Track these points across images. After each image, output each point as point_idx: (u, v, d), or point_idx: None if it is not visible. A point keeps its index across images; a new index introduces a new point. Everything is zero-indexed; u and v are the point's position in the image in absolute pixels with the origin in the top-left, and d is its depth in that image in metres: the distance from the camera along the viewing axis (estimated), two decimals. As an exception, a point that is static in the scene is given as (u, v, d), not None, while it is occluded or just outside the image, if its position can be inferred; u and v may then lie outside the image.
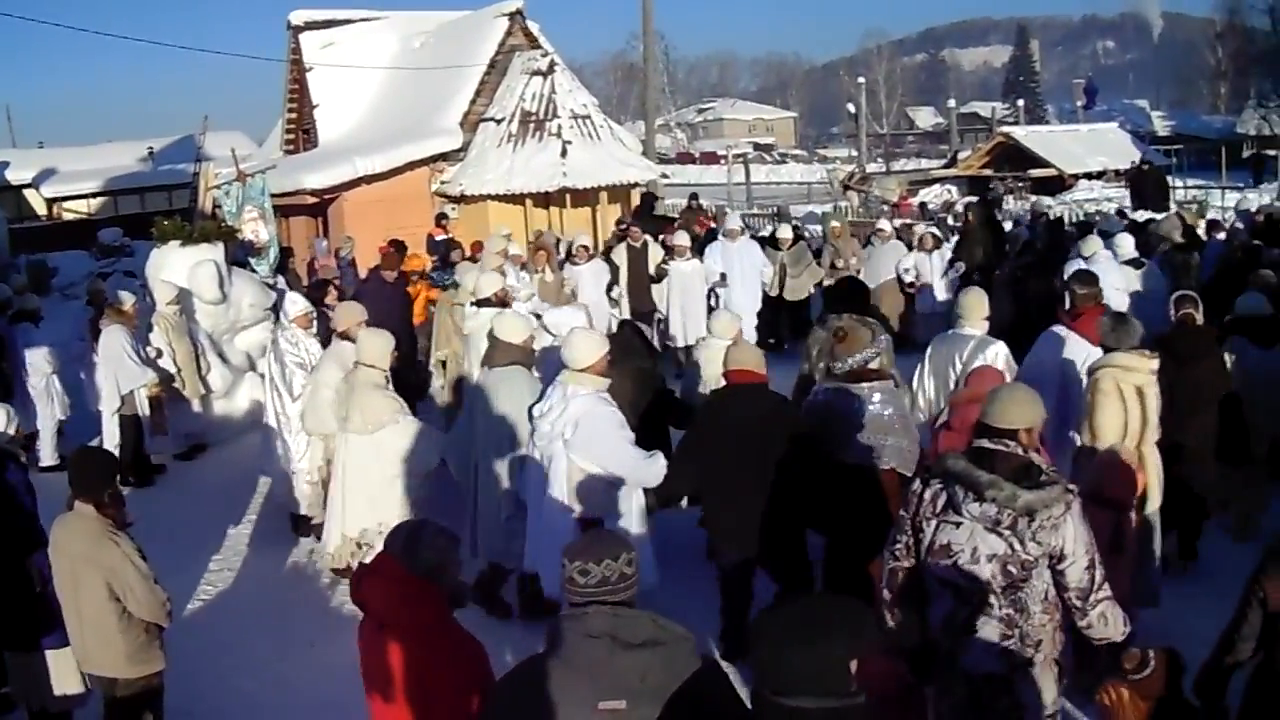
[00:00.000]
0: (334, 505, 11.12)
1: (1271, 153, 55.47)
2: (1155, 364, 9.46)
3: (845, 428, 9.13)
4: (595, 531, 5.13)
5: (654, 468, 9.06)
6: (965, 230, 22.80)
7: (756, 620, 4.36)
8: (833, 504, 8.97)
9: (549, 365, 10.76)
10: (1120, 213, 29.06)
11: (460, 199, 30.61)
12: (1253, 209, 27.21)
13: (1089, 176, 52.02)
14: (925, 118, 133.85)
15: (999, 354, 10.72)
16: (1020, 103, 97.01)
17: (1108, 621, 6.25)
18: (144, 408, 15.38)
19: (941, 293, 20.24)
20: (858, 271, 20.81)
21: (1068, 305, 11.37)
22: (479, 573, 10.37)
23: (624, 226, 22.95)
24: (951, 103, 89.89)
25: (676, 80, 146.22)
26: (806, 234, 29.86)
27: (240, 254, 19.86)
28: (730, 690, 4.68)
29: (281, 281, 20.94)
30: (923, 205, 39.25)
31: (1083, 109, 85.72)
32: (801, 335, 15.48)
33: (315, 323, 13.47)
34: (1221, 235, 21.23)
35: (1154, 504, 9.43)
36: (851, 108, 79.87)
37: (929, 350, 11.44)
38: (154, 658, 8.04)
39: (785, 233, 21.85)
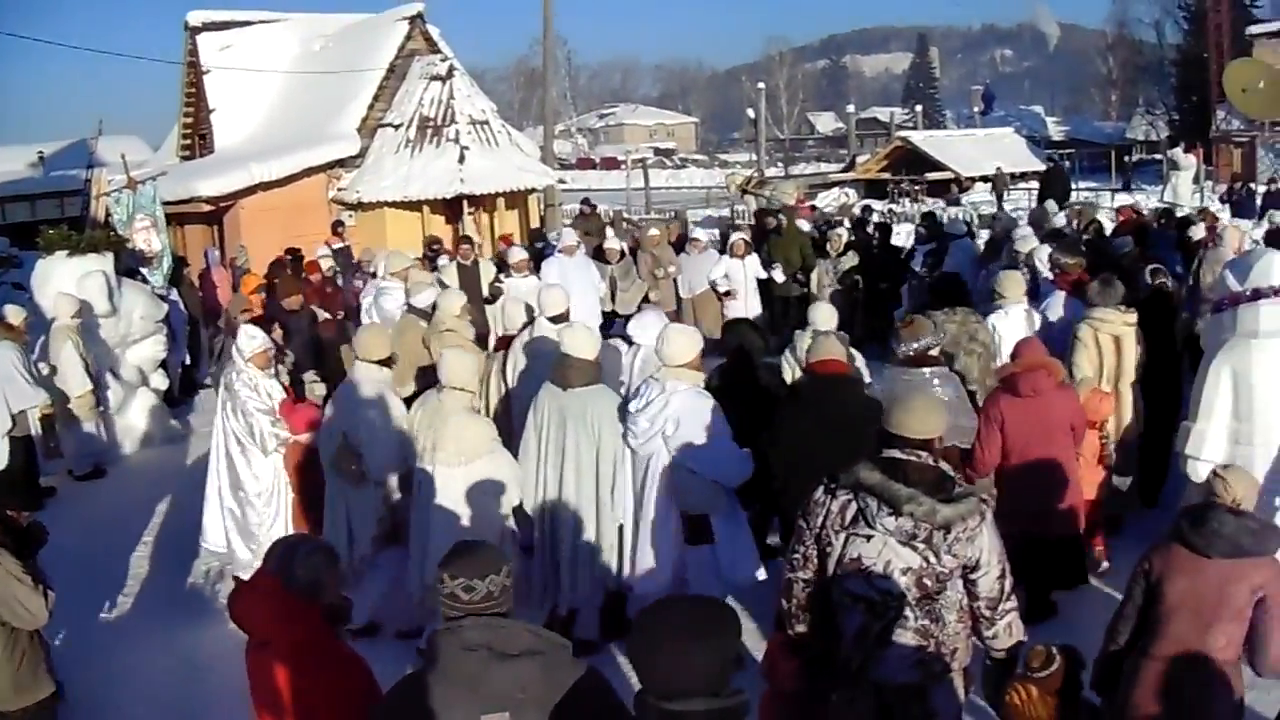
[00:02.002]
0: (413, 551, 9.80)
1: (1158, 157, 56.44)
2: (1132, 318, 11.41)
3: None
4: (469, 544, 5.03)
5: (749, 464, 9.10)
6: (778, 234, 22.61)
7: (635, 626, 4.34)
8: None
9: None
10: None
11: (357, 206, 30.51)
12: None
13: (985, 180, 52.58)
14: (826, 123, 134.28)
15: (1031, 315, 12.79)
16: (919, 108, 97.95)
17: (1012, 632, 6.19)
18: (36, 428, 14.96)
19: (753, 298, 20.18)
20: (674, 281, 20.86)
21: (1061, 273, 13.62)
22: (550, 613, 9.78)
23: (437, 247, 22.41)
24: (851, 108, 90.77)
25: (578, 85, 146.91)
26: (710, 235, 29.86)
27: (131, 264, 19.51)
28: (613, 697, 4.68)
29: (174, 293, 20.65)
30: (814, 207, 39.46)
31: (980, 115, 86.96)
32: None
33: (274, 361, 12.09)
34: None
35: (1130, 435, 11.53)
36: (752, 113, 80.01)
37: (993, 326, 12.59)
38: (42, 683, 7.83)
39: (613, 244, 21.29)
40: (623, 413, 9.28)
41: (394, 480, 10.22)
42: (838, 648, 6.26)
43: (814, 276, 20.03)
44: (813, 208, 37.51)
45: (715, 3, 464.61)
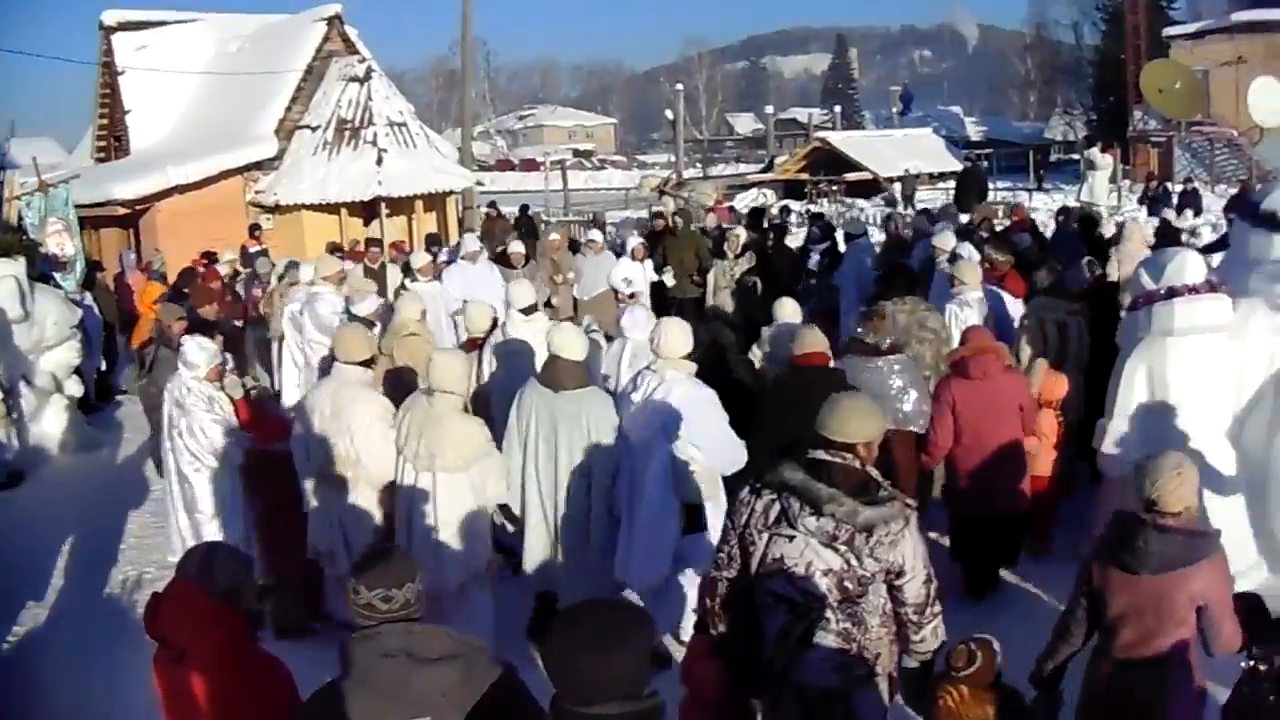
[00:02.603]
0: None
1: (1076, 157, 57.06)
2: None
3: (875, 396, 9.70)
4: (381, 552, 5.00)
5: (744, 452, 9.27)
6: (672, 236, 22.50)
7: (549, 632, 4.35)
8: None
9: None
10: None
11: (275, 209, 30.30)
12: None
13: (903, 179, 52.99)
14: (745, 124, 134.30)
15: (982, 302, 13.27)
16: (838, 109, 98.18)
17: (936, 636, 6.17)
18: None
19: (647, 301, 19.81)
20: (573, 284, 20.49)
21: (991, 268, 14.34)
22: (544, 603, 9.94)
23: (342, 254, 21.67)
24: (770, 109, 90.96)
25: (497, 87, 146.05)
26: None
27: (44, 268, 19.26)
28: (529, 699, 4.68)
29: (89, 298, 20.43)
30: (732, 208, 39.42)
31: (899, 115, 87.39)
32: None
33: (225, 373, 11.42)
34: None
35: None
36: (670, 114, 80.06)
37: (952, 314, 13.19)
38: None
39: (516, 248, 20.69)
40: (621, 404, 9.52)
41: (390, 485, 9.80)
42: (760, 650, 6.23)
43: (710, 278, 20.00)
44: (731, 209, 37.51)
45: (635, 4, 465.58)
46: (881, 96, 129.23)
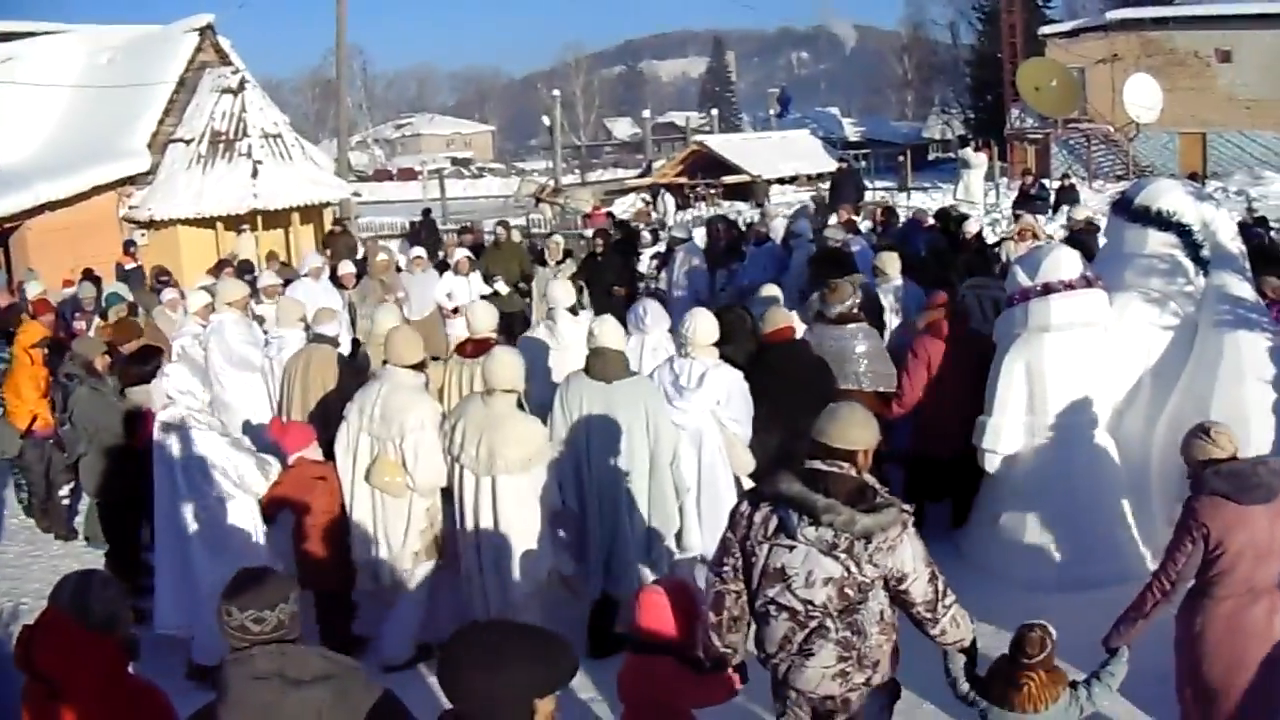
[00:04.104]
0: (481, 568, 9.37)
1: (953, 156, 57.83)
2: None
3: (839, 361, 11.33)
4: (254, 573, 4.90)
5: None
6: (496, 248, 22.50)
7: (445, 645, 4.34)
8: None
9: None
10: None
11: (149, 224, 29.90)
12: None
13: (781, 181, 53.31)
14: (623, 128, 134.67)
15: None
16: (715, 112, 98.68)
17: (959, 624, 6.29)
18: None
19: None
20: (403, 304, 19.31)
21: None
22: (591, 608, 9.92)
23: (165, 279, 21.08)
24: (647, 113, 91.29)
25: (374, 96, 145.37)
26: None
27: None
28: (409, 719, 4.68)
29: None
30: (610, 214, 39.50)
31: (777, 117, 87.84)
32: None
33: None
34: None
35: None
36: (548, 120, 79.95)
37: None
38: None
39: (346, 268, 20.01)
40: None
41: (439, 490, 9.66)
42: (765, 659, 6.37)
43: (534, 286, 19.97)
44: (609, 214, 37.52)
45: (511, 9, 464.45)
46: (759, 99, 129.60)
